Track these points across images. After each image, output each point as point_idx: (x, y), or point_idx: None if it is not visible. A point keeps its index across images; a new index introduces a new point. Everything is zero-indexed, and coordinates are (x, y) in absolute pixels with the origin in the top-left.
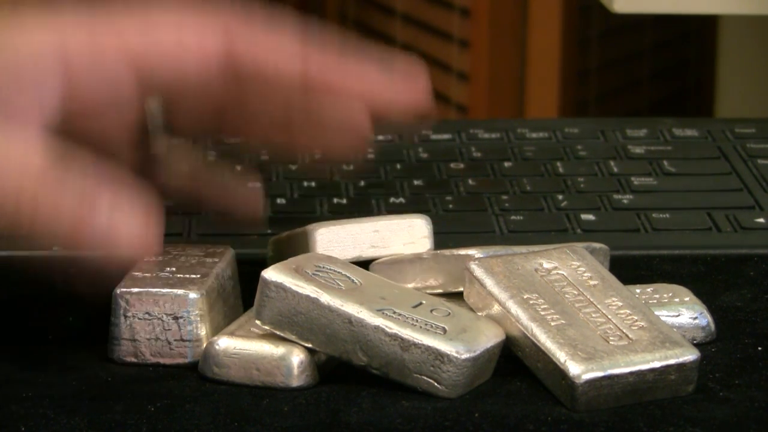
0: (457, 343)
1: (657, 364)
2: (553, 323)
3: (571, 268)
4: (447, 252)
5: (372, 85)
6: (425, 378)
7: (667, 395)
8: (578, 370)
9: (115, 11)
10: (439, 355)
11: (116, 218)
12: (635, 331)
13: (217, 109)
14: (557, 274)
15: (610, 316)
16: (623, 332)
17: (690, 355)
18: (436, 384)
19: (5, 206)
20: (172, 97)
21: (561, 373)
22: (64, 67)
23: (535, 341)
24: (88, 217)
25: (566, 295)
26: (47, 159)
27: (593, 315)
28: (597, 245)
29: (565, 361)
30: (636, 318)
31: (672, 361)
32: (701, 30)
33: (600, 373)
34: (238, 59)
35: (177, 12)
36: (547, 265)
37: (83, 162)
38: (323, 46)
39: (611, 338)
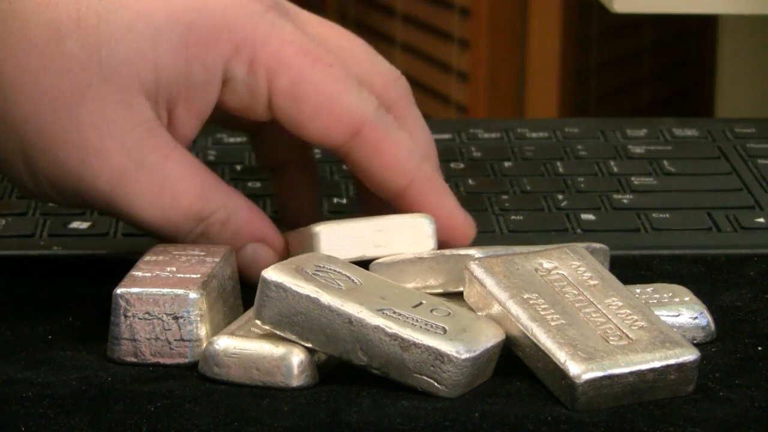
0: (457, 343)
1: (657, 364)
2: (553, 323)
3: (571, 268)
4: (447, 252)
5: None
6: (425, 378)
7: (667, 395)
8: (578, 370)
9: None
10: (439, 355)
11: (258, 254)
12: (635, 331)
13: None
14: (557, 274)
15: (610, 316)
16: (623, 332)
17: (690, 355)
18: (436, 384)
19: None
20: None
21: (561, 373)
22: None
23: (535, 341)
24: (235, 247)
25: (566, 295)
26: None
27: (593, 315)
28: (597, 245)
29: (565, 361)
30: (636, 318)
31: (672, 361)
32: (701, 30)
33: (600, 373)
34: (355, 149)
35: (343, 65)
36: (547, 265)
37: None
38: (433, 172)
39: (611, 338)
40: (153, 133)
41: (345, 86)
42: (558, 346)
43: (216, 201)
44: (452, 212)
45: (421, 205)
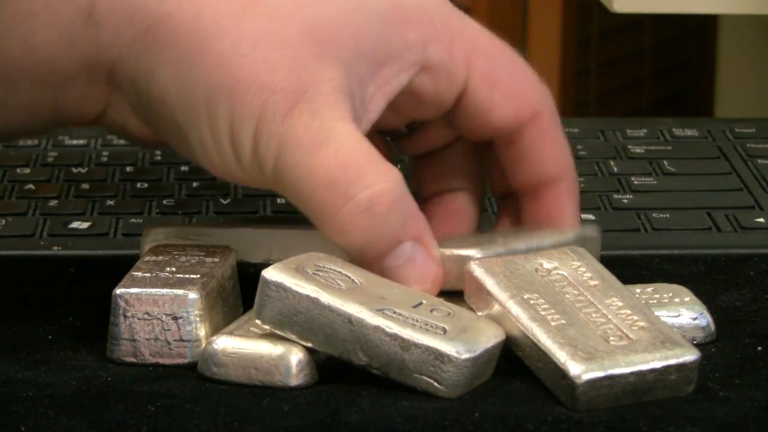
0: (457, 343)
1: (657, 364)
2: (553, 323)
3: (572, 268)
4: (448, 252)
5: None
6: (425, 378)
7: (667, 395)
8: (578, 370)
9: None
10: (439, 355)
11: (416, 256)
12: (635, 331)
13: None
14: (557, 274)
15: (610, 316)
16: (623, 332)
17: (690, 355)
18: (436, 384)
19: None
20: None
21: (561, 373)
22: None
23: (536, 341)
24: (392, 249)
25: (566, 295)
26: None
27: (593, 315)
28: (589, 232)
29: (566, 361)
30: (636, 318)
31: (672, 361)
32: (701, 30)
33: (600, 373)
34: (527, 134)
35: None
36: (547, 265)
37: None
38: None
39: (611, 338)
40: (335, 96)
41: (528, 75)
42: (558, 346)
43: (385, 173)
44: (574, 224)
45: (558, 204)
